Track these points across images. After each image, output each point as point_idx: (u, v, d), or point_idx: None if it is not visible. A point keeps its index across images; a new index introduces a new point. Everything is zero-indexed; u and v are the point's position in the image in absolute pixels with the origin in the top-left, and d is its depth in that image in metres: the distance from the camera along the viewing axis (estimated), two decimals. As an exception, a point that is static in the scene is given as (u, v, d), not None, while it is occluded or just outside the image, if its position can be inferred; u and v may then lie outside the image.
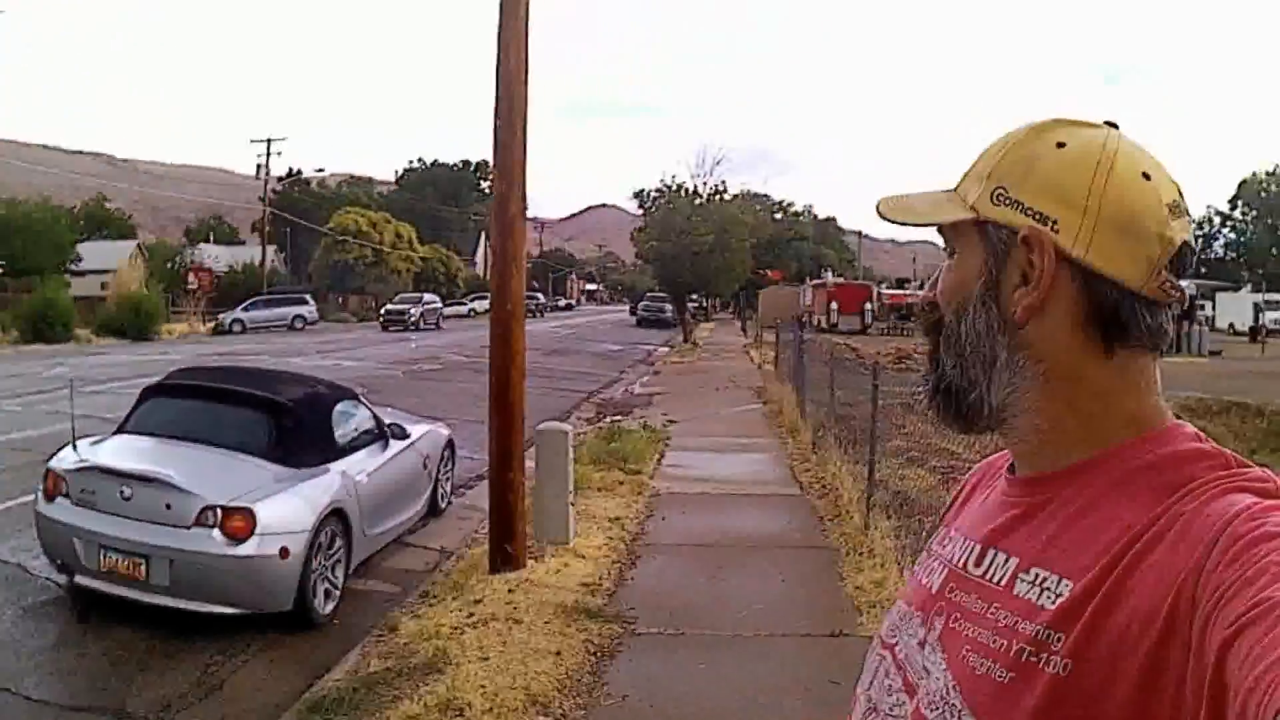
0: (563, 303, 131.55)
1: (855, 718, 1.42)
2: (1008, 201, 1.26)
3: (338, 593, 8.45)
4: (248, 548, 7.43)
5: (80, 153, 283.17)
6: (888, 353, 25.46)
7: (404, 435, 10.78)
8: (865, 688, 1.43)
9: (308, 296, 64.48)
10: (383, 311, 63.84)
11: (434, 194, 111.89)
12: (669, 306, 63.23)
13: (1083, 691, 1.06)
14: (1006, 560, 1.26)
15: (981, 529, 1.36)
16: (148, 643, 7.45)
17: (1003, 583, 1.24)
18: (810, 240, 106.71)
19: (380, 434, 10.37)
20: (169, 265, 72.58)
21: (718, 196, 52.31)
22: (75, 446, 8.40)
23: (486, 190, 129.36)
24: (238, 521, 7.48)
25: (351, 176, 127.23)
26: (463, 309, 79.12)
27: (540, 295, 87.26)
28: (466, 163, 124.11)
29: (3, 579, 8.83)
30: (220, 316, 57.72)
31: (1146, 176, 1.22)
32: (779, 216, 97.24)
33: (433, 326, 61.97)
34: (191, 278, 63.51)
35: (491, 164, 8.97)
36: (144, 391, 9.48)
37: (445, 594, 8.45)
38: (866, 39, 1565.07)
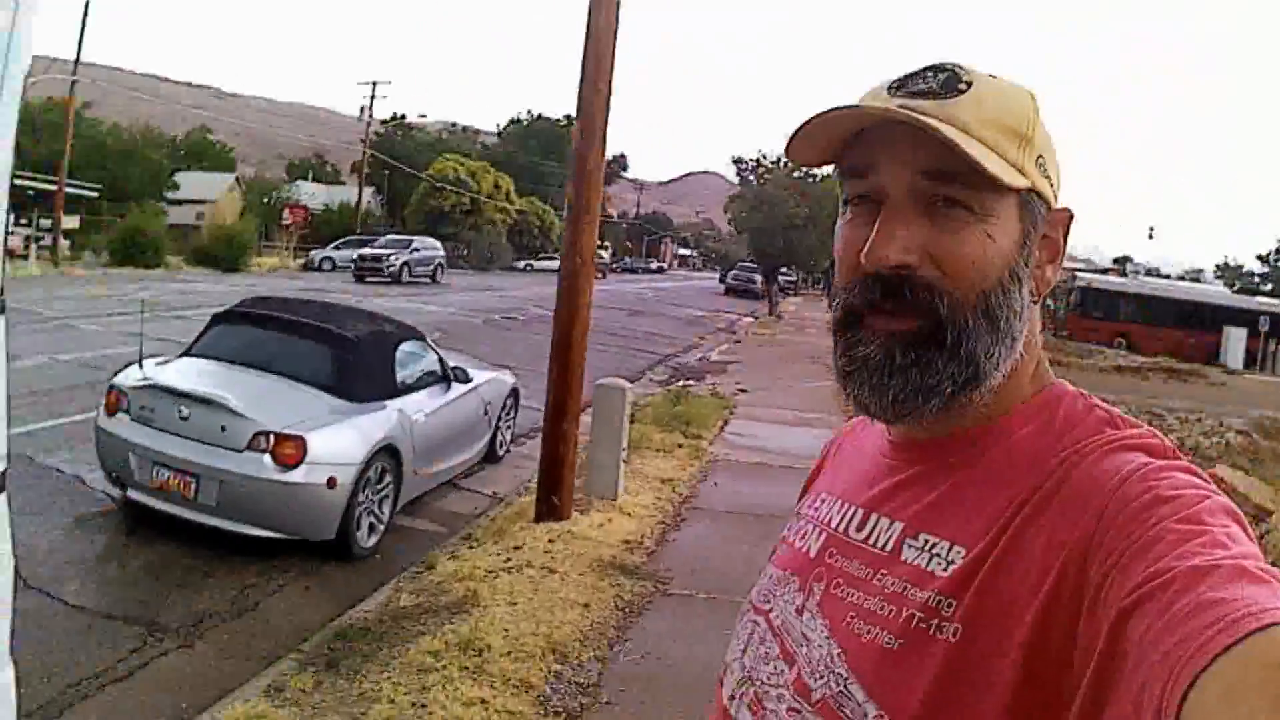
0: (654, 265, 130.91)
1: (727, 687, 1.37)
2: (1045, 174, 1.23)
3: (382, 527, 8.56)
4: (296, 475, 7.57)
5: (188, 84, 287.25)
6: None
7: (466, 380, 10.85)
8: (737, 655, 1.38)
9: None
10: (355, 258, 50.40)
11: (535, 147, 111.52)
12: (758, 277, 62.75)
13: (974, 657, 1.05)
14: (891, 525, 1.24)
15: (862, 493, 1.33)
16: (189, 560, 7.65)
17: (888, 548, 1.22)
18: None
19: (443, 377, 10.46)
20: (266, 200, 73.57)
21: (813, 170, 51.80)
22: (140, 365, 8.59)
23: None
24: (289, 448, 7.61)
25: (454, 125, 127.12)
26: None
27: (605, 254, 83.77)
28: (569, 117, 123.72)
29: (60, 489, 9.08)
30: (311, 253, 58.12)
31: None
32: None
33: (426, 279, 50.47)
34: (287, 214, 63.97)
35: (575, 118, 8.95)
36: (214, 318, 9.67)
37: (486, 538, 8.56)
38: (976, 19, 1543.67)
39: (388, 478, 8.64)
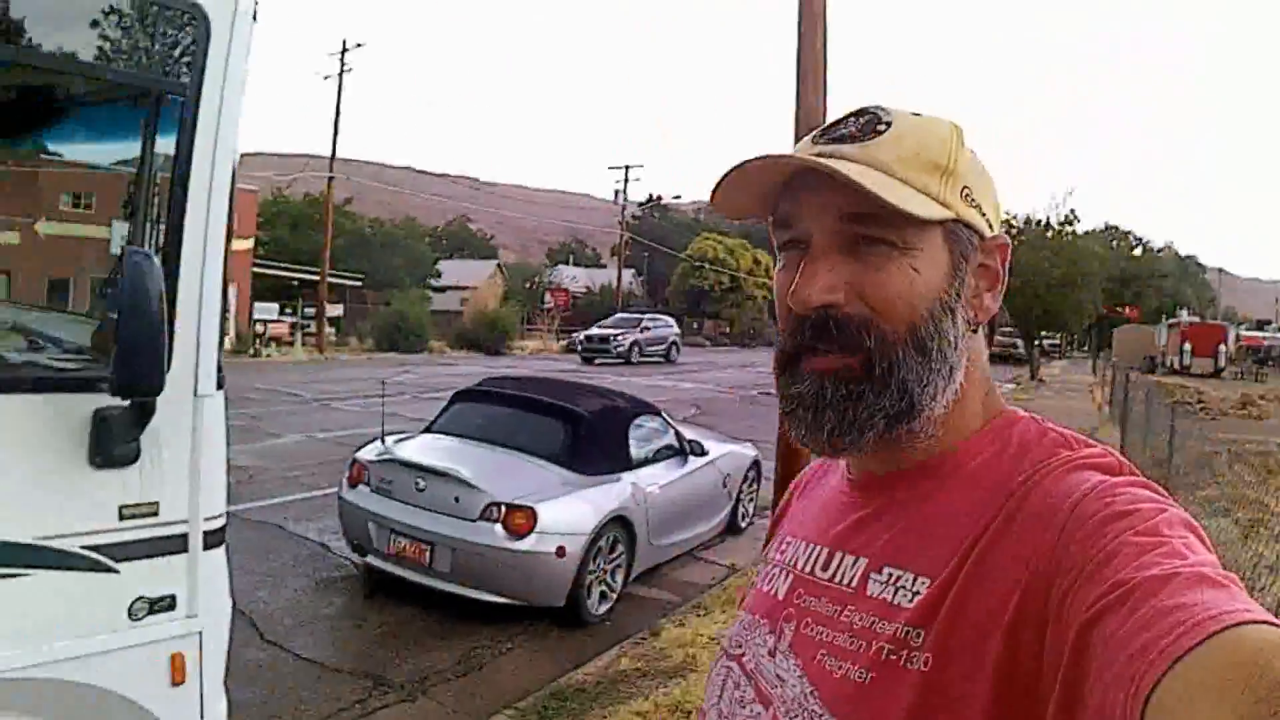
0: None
1: None
2: (973, 204, 1.25)
3: (614, 596, 8.76)
4: (526, 543, 7.84)
5: (445, 175, 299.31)
6: (1235, 399, 23.92)
7: (703, 453, 10.92)
8: (713, 702, 1.40)
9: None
10: (580, 339, 49.31)
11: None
12: (1020, 341, 61.02)
13: (946, 684, 1.06)
14: (855, 562, 1.25)
15: (826, 533, 1.35)
16: (421, 622, 8.06)
17: (853, 584, 1.23)
18: (1170, 277, 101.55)
19: (680, 450, 10.59)
20: (527, 285, 75.87)
21: (1067, 228, 50.21)
22: (382, 440, 9.15)
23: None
24: (519, 518, 7.90)
25: (709, 203, 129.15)
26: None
27: None
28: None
29: (307, 554, 9.79)
30: (573, 335, 59.40)
31: None
32: (1137, 252, 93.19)
33: (659, 359, 48.09)
34: (548, 297, 65.94)
35: None
36: (454, 396, 10.26)
37: (715, 606, 8.65)
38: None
39: (620, 548, 8.85)
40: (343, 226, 56.63)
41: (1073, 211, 51.36)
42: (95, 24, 3.36)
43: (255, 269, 48.79)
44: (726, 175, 1.25)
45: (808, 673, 1.21)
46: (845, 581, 1.25)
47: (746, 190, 1.29)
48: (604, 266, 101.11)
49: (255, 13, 3.45)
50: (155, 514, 3.31)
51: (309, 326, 47.36)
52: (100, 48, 3.42)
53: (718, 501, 11.38)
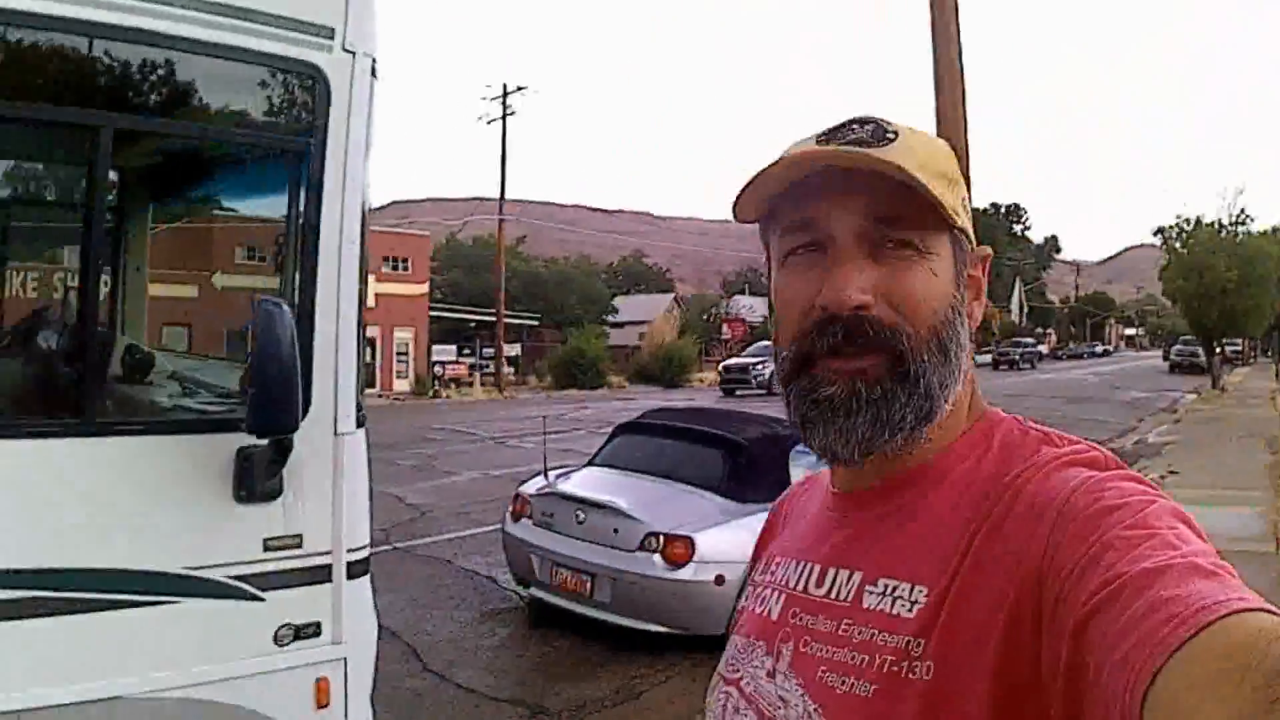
0: (1099, 349, 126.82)
1: None
2: (968, 214, 1.27)
3: (776, 623, 8.74)
4: (684, 573, 7.92)
5: (619, 211, 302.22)
6: None
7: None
8: None
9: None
10: (720, 369, 48.72)
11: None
12: (1200, 350, 58.81)
13: (949, 691, 1.05)
14: (850, 576, 1.24)
15: (817, 550, 1.34)
16: (581, 652, 8.23)
17: (849, 599, 1.22)
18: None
19: (845, 475, 10.55)
20: (704, 317, 75.95)
21: (1240, 228, 48.32)
22: (545, 475, 9.39)
23: (1020, 233, 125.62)
24: (678, 548, 7.98)
25: (732, 208, 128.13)
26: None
27: (1021, 343, 77.75)
28: (995, 206, 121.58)
29: (474, 587, 10.11)
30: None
31: None
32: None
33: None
34: (725, 328, 65.91)
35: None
36: (615, 429, 10.47)
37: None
38: None
39: (781, 576, 8.82)
40: (516, 267, 57.66)
41: (1244, 210, 49.48)
42: (228, 92, 3.64)
43: (432, 312, 50.07)
44: (760, 174, 1.24)
45: (810, 692, 1.20)
46: (841, 597, 1.24)
47: (758, 193, 1.27)
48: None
49: (374, 68, 3.66)
50: (299, 546, 3.54)
51: (487, 367, 48.36)
52: (235, 113, 3.70)
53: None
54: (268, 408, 3.16)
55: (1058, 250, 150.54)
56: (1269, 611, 0.84)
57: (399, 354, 49.83)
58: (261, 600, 3.44)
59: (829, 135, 1.24)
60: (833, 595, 1.25)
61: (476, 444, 22.55)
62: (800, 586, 1.32)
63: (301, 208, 3.58)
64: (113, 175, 5.14)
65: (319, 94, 3.52)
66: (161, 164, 4.73)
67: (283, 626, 3.49)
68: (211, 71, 3.56)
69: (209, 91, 3.63)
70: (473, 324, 53.50)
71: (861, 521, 1.29)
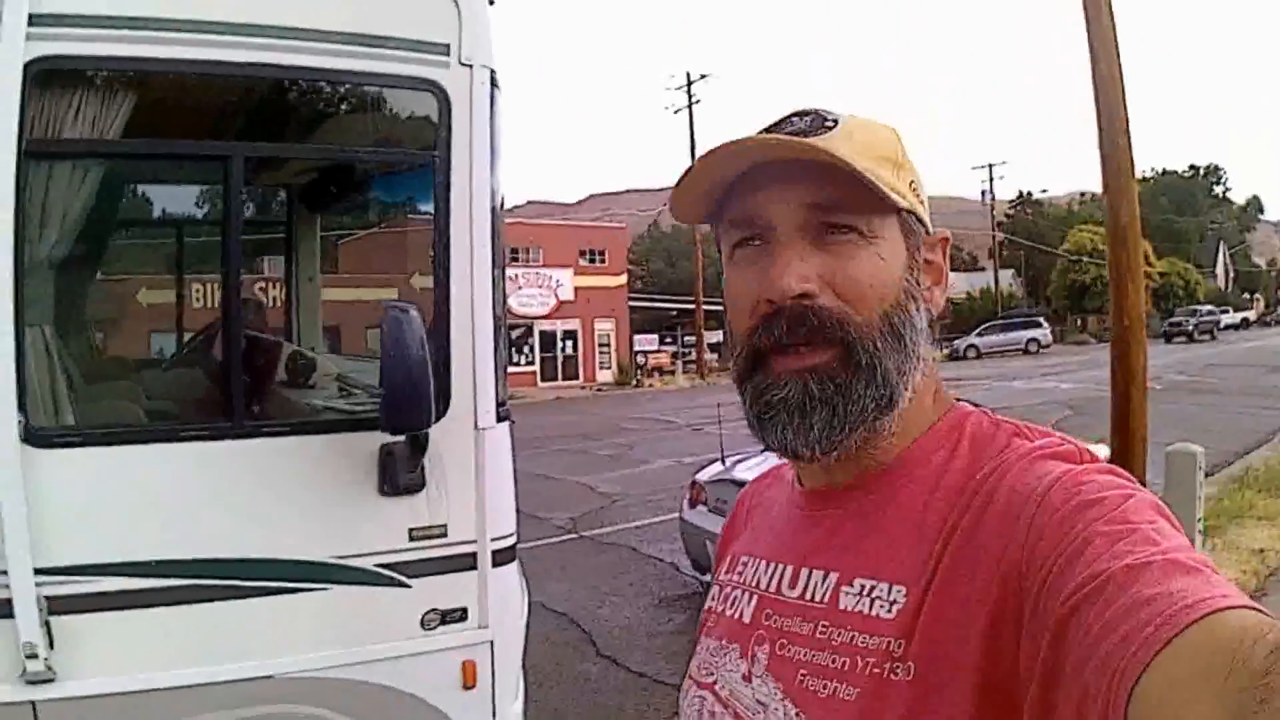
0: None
1: None
2: (919, 198, 1.26)
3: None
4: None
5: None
6: None
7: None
8: None
9: (1041, 319, 63.57)
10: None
11: (1165, 204, 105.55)
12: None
13: (931, 691, 1.05)
14: (825, 577, 1.22)
15: (787, 550, 1.32)
16: (758, 638, 8.28)
17: (825, 600, 1.20)
18: None
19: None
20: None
21: None
22: (723, 461, 9.45)
23: (1220, 195, 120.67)
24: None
25: (1082, 193, 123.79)
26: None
27: (1200, 310, 74.23)
28: (1194, 168, 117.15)
29: (654, 574, 10.28)
30: (955, 342, 58.77)
31: None
32: None
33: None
34: (928, 304, 65.26)
35: (1101, 176, 8.76)
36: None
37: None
38: None
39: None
40: (714, 254, 57.98)
41: None
42: (360, 111, 3.89)
43: (632, 303, 50.51)
44: (688, 171, 1.22)
45: (790, 695, 1.18)
46: (817, 598, 1.21)
47: (696, 191, 1.26)
48: (982, 269, 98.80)
49: (494, 78, 3.83)
50: (444, 535, 3.75)
51: (689, 355, 48.63)
52: (366, 131, 3.95)
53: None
54: (398, 407, 3.37)
55: (1261, 211, 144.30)
56: (1252, 608, 0.84)
57: (600, 345, 50.59)
58: (408, 587, 3.66)
59: (770, 129, 1.23)
60: (808, 597, 1.23)
61: (673, 431, 22.75)
62: (773, 588, 1.30)
63: (433, 215, 3.79)
64: (281, 195, 5.53)
65: (440, 107, 3.72)
66: (319, 182, 5.06)
67: (429, 611, 3.71)
68: (349, 95, 3.83)
69: (350, 113, 3.91)
70: (674, 312, 53.91)
71: (832, 520, 1.27)
